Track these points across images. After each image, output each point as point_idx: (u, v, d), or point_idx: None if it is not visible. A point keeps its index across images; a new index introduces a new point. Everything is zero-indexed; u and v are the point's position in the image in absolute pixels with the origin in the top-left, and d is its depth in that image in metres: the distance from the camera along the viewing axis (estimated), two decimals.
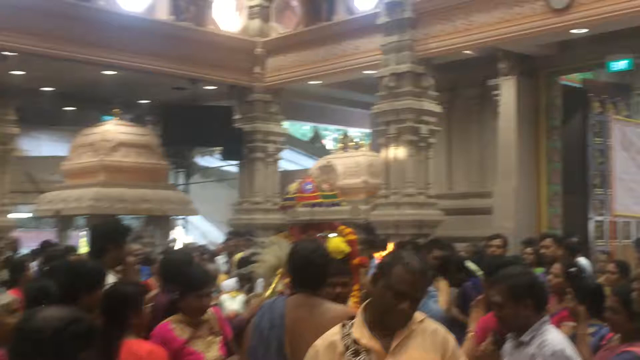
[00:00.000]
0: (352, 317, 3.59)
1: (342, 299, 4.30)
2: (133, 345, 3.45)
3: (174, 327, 3.98)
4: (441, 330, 2.79)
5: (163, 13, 13.99)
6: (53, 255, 7.67)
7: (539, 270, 7.47)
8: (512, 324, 3.33)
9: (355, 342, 2.73)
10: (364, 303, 2.88)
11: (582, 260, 8.38)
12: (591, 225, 13.15)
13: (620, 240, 12.38)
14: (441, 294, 5.80)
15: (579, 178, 13.11)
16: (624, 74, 13.00)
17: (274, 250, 4.81)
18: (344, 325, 2.85)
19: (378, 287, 2.75)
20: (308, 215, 6.17)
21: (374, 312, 2.76)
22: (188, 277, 4.18)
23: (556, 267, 5.46)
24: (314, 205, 6.10)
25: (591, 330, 4.47)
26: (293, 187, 6.31)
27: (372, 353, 2.67)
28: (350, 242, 5.79)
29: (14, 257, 9.93)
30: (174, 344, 3.92)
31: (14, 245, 12.83)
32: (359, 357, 2.67)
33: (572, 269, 5.34)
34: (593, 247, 12.78)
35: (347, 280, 4.39)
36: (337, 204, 6.37)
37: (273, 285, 4.75)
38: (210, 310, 4.18)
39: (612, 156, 7.85)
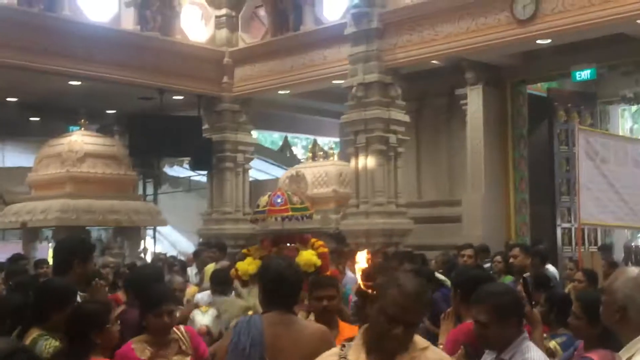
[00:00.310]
0: (327, 336, 3.59)
1: (329, 312, 4.31)
2: None
3: (135, 347, 3.85)
4: None
5: (129, 23, 13.88)
6: (16, 270, 7.55)
7: (507, 279, 7.56)
8: (497, 343, 3.24)
9: None
10: (364, 326, 2.76)
11: (551, 268, 8.49)
12: (559, 233, 13.30)
13: (587, 247, 12.57)
14: None
15: (546, 186, 13.27)
16: (588, 83, 13.23)
17: (246, 295, 4.87)
18: (342, 347, 2.75)
19: (373, 311, 2.64)
20: (279, 226, 6.18)
21: (371, 336, 2.65)
22: (147, 295, 4.06)
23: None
24: (284, 218, 6.09)
25: (560, 340, 4.52)
26: (263, 200, 6.31)
27: None
28: (321, 255, 5.79)
29: None
30: None
31: None
32: None
33: (526, 274, 5.39)
34: (561, 254, 12.94)
35: (334, 294, 4.37)
36: (309, 217, 6.37)
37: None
38: (181, 329, 4.07)
39: (577, 165, 7.95)
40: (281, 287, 3.57)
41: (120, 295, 6.73)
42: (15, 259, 10.05)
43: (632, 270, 2.82)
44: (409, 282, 2.60)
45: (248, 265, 5.96)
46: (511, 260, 7.67)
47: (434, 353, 2.64)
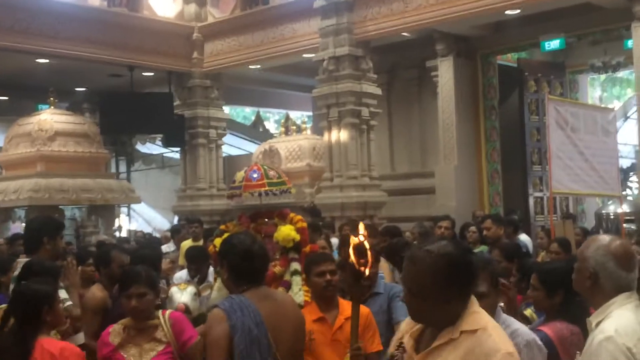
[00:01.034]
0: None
1: (332, 287, 4.24)
2: (45, 343, 3.39)
3: (113, 330, 3.80)
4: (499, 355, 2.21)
5: None
6: None
7: (482, 249, 7.67)
8: (492, 313, 2.99)
9: None
10: None
11: (523, 237, 8.62)
12: (531, 202, 13.47)
13: (559, 215, 12.75)
14: (385, 275, 5.88)
15: (517, 156, 13.41)
16: (557, 53, 13.32)
17: None
18: None
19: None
20: (256, 201, 6.10)
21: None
22: (121, 278, 4.07)
23: (495, 253, 5.63)
24: (260, 193, 6.01)
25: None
26: (239, 175, 6.18)
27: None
28: (300, 230, 5.65)
29: None
30: (104, 348, 3.76)
31: None
32: (397, 350, 2.46)
33: None
34: (534, 223, 13.11)
35: (334, 268, 4.30)
36: (287, 191, 6.24)
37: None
38: (164, 315, 3.92)
39: (548, 135, 8.04)
40: (253, 262, 3.50)
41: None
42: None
43: (603, 237, 2.88)
44: (418, 251, 2.38)
45: None
46: (484, 232, 7.75)
47: (485, 340, 2.23)
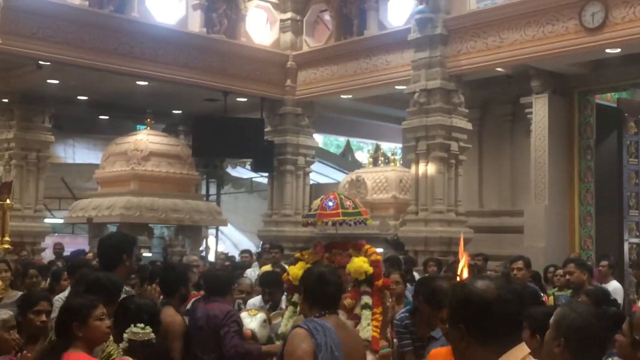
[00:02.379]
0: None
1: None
2: (72, 357, 3.38)
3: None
4: None
5: (196, 25, 14.10)
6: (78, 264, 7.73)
7: (567, 292, 7.41)
8: None
9: None
10: None
11: (614, 284, 8.23)
12: (626, 248, 12.88)
13: None
14: None
15: (613, 199, 12.87)
16: None
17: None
18: None
19: None
20: (338, 230, 6.09)
21: None
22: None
23: (582, 299, 5.45)
24: (334, 223, 5.99)
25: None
26: (316, 203, 6.19)
27: None
28: (373, 263, 5.63)
29: (55, 263, 10.15)
30: None
31: (60, 250, 12.97)
32: None
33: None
34: (627, 270, 12.51)
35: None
36: (362, 222, 6.18)
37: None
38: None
39: None
40: (327, 287, 3.66)
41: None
42: (76, 253, 10.41)
43: None
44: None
45: (299, 270, 5.77)
46: (567, 276, 7.46)
47: None
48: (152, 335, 3.29)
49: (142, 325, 3.30)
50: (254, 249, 17.14)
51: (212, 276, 5.67)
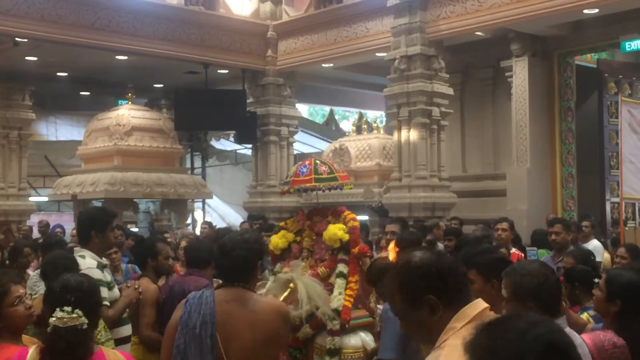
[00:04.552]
0: (283, 311, 3.47)
1: None
2: None
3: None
4: None
5: None
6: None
7: (543, 252, 7.50)
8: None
9: None
10: None
11: (595, 243, 8.33)
12: (608, 207, 12.99)
13: (638, 222, 12.25)
14: None
15: (594, 159, 12.97)
16: (639, 54, 12.81)
17: (288, 274, 4.86)
18: None
19: None
20: (321, 198, 5.88)
21: None
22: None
23: (568, 260, 5.58)
24: (306, 189, 5.84)
25: (592, 313, 4.41)
26: (292, 170, 6.07)
27: None
28: (350, 230, 5.39)
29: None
30: None
31: (44, 229, 12.96)
32: None
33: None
34: (610, 229, 12.64)
35: None
36: (338, 188, 6.00)
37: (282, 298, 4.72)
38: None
39: (620, 138, 7.75)
40: (226, 260, 3.43)
41: (178, 267, 6.87)
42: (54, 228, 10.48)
43: None
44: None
45: (279, 239, 5.75)
46: (552, 237, 7.53)
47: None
48: (82, 320, 2.80)
49: (68, 308, 2.80)
50: (240, 221, 17.22)
51: (191, 247, 5.53)
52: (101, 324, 3.91)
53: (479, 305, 2.15)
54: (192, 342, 3.26)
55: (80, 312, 2.81)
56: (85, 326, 2.82)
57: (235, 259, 3.39)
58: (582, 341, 3.09)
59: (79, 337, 2.79)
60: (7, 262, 7.19)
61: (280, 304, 3.61)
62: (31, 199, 16.20)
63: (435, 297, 2.12)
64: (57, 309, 2.80)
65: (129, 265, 7.21)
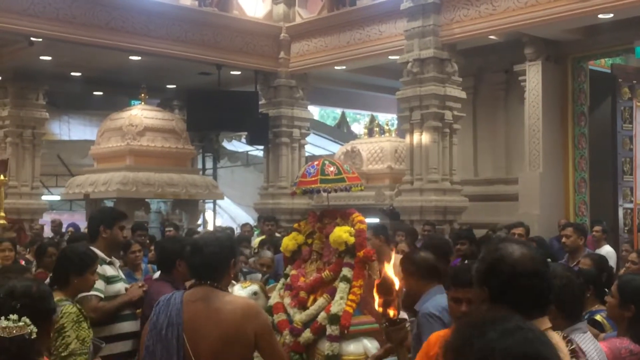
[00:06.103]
0: (252, 310, 3.33)
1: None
2: None
3: None
4: None
5: None
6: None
7: None
8: None
9: None
10: None
11: (607, 249, 8.31)
12: (620, 213, 12.90)
13: None
14: None
15: (607, 165, 12.88)
16: None
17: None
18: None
19: None
20: (332, 201, 5.68)
21: None
22: None
23: (585, 262, 5.54)
24: (312, 190, 5.75)
25: (604, 314, 4.35)
26: (301, 170, 5.99)
27: None
28: (357, 232, 5.21)
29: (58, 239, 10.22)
30: None
31: (57, 227, 13.06)
32: None
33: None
34: (623, 235, 12.56)
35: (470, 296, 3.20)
36: (346, 189, 5.88)
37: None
38: None
39: (635, 143, 7.69)
40: (195, 258, 3.37)
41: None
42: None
43: None
44: None
45: (289, 241, 5.64)
46: (564, 240, 7.51)
47: None
48: (30, 328, 2.52)
49: (15, 316, 2.52)
50: (252, 222, 17.26)
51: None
52: (75, 336, 3.72)
53: (546, 323, 2.15)
54: (158, 343, 3.23)
55: (28, 321, 2.53)
56: (34, 335, 2.53)
57: (206, 256, 3.33)
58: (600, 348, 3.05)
59: (26, 348, 2.51)
60: (33, 260, 7.26)
61: (246, 302, 3.50)
62: (44, 197, 16.29)
63: (488, 290, 2.15)
64: (2, 318, 2.51)
65: (149, 265, 7.25)
